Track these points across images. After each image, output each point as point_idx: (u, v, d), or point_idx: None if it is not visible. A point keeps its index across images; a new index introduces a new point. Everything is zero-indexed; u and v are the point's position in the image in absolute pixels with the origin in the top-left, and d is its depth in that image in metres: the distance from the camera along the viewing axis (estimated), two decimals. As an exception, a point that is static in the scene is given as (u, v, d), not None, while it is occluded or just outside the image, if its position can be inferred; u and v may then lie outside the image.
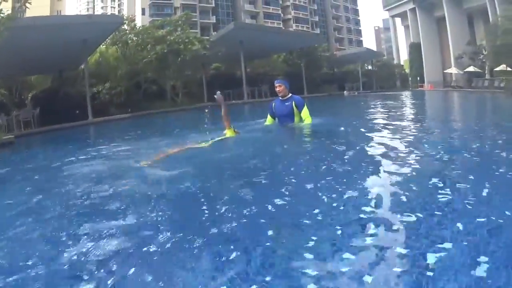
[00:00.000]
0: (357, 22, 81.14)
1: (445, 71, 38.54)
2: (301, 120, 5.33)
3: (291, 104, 5.31)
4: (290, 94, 5.43)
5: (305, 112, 5.30)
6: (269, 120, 5.68)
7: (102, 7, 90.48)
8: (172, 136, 7.57)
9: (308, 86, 27.79)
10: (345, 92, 28.78)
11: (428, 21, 43.04)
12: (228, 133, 4.74)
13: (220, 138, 4.69)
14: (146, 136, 8.66)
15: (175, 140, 5.84)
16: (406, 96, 23.06)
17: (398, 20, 54.31)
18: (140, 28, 22.69)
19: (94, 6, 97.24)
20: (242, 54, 22.07)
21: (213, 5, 58.79)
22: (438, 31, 42.77)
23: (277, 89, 5.39)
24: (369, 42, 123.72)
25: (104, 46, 22.80)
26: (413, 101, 17.90)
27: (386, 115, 9.44)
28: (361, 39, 79.97)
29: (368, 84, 39.55)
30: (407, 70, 49.89)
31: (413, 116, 9.71)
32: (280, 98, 5.43)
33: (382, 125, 6.76)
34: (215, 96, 4.95)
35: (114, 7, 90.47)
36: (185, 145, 4.54)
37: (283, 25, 63.11)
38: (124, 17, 23.37)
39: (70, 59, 17.56)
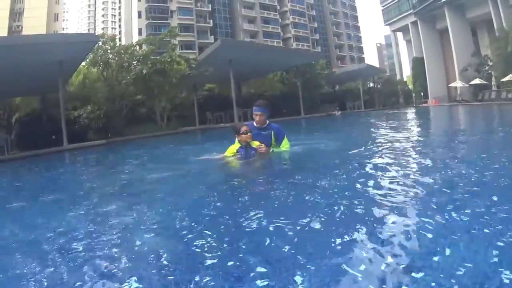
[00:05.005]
0: (359, 39, 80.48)
1: (449, 85, 37.32)
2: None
3: (270, 135, 4.67)
4: (267, 122, 4.77)
5: (284, 145, 4.71)
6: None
7: (102, 28, 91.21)
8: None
9: (306, 106, 26.05)
10: (335, 112, 27.02)
11: (431, 34, 42.16)
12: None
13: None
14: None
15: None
16: (406, 115, 20.62)
17: (400, 35, 53.43)
18: (119, 47, 21.38)
19: (95, 27, 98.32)
20: (232, 74, 20.61)
21: (211, 24, 58.05)
22: (441, 44, 41.82)
23: (257, 118, 4.66)
24: (371, 59, 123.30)
25: (86, 67, 21.57)
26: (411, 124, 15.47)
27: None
28: (363, 56, 79.13)
29: (370, 102, 37.96)
30: (411, 86, 48.66)
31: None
32: (257, 125, 4.69)
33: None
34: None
35: (115, 28, 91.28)
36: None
37: (283, 44, 62.40)
38: (106, 35, 22.07)
39: (50, 81, 16.39)
